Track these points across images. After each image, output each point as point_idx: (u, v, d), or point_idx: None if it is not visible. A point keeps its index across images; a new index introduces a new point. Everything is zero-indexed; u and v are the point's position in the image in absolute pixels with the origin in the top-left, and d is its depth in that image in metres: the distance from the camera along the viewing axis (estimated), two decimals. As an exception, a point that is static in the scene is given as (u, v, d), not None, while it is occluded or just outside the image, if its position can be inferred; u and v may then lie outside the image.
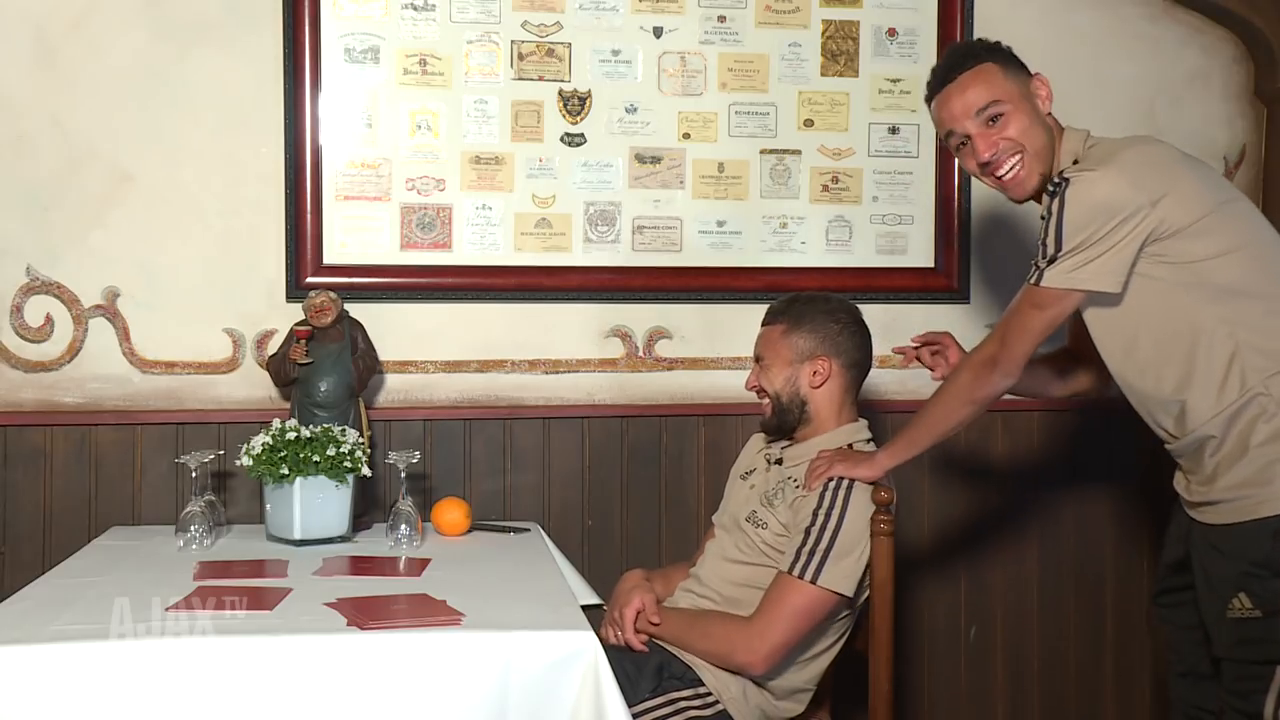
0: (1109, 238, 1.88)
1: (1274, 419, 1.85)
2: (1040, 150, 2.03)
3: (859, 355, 2.25)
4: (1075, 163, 1.98)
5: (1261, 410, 1.86)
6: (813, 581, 2.05)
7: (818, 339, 2.22)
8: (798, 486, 2.17)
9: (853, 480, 2.11)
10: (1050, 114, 2.08)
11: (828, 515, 2.08)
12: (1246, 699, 1.89)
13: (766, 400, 2.25)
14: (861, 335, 2.26)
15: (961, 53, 2.12)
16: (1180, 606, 2.07)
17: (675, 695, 2.11)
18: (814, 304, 2.26)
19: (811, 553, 2.06)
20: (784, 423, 2.24)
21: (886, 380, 2.88)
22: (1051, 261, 1.92)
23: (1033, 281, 1.95)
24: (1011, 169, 2.03)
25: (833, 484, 2.11)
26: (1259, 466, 1.86)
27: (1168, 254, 1.90)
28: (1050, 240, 1.91)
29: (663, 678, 2.12)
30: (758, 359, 2.28)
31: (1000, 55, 2.08)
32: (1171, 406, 1.95)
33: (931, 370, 2.29)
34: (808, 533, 2.08)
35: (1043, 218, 1.95)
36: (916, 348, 2.31)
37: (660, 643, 2.18)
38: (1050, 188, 1.95)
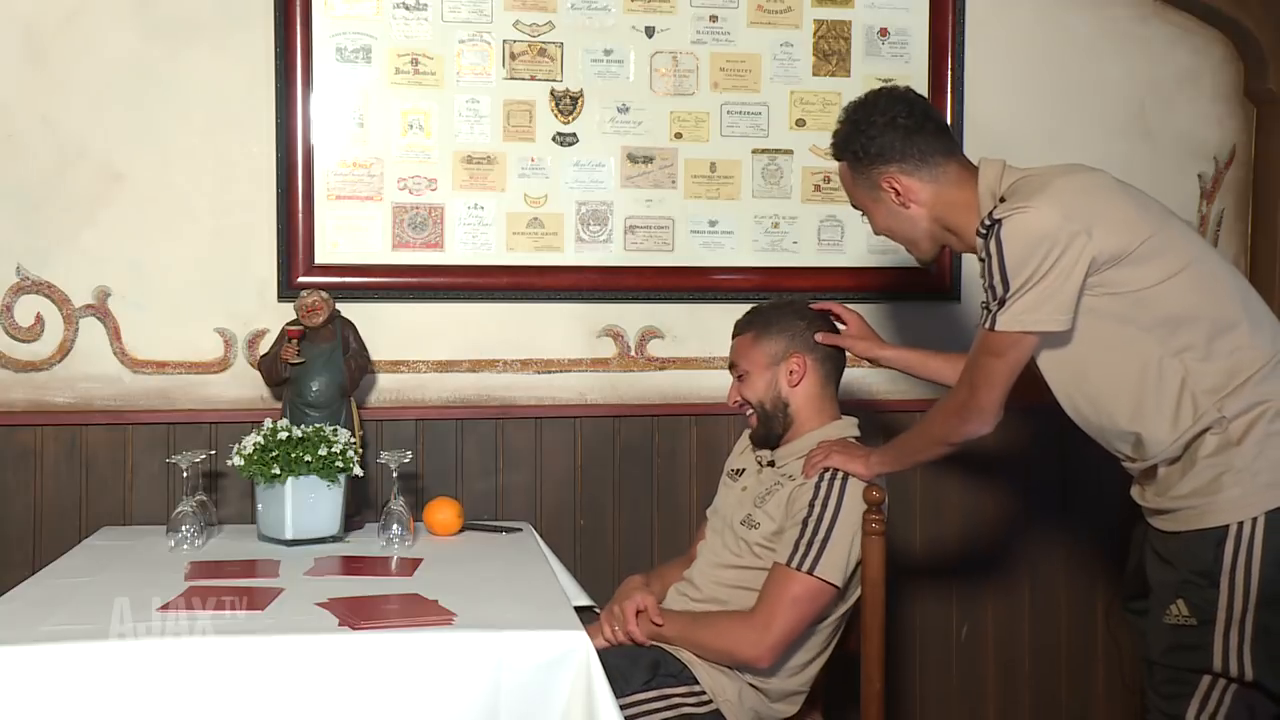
0: (1054, 271, 1.85)
1: (1222, 432, 1.86)
2: (913, 236, 2.10)
3: (830, 349, 2.27)
4: (1002, 200, 1.95)
5: (1216, 428, 1.86)
6: (809, 572, 2.07)
7: (787, 338, 2.25)
8: (792, 480, 2.18)
9: (847, 474, 2.12)
10: (934, 174, 2.05)
11: (824, 506, 2.10)
12: (1170, 702, 1.90)
13: (751, 412, 2.28)
14: (829, 331, 2.28)
15: (831, 145, 2.16)
16: (1147, 612, 2.07)
17: (669, 691, 2.11)
18: (777, 308, 2.30)
19: (809, 544, 2.08)
20: (771, 431, 2.26)
21: (877, 380, 2.89)
22: (1002, 304, 1.89)
23: (986, 326, 1.93)
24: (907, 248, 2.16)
25: (828, 475, 2.12)
26: (1208, 478, 1.86)
27: (1108, 284, 1.89)
28: (997, 282, 1.89)
29: (657, 673, 2.13)
30: (734, 369, 2.30)
31: (852, 156, 2.10)
32: (1127, 435, 1.95)
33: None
34: (804, 524, 2.09)
35: (981, 259, 1.93)
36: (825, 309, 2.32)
37: (658, 643, 2.18)
38: (982, 230, 1.93)
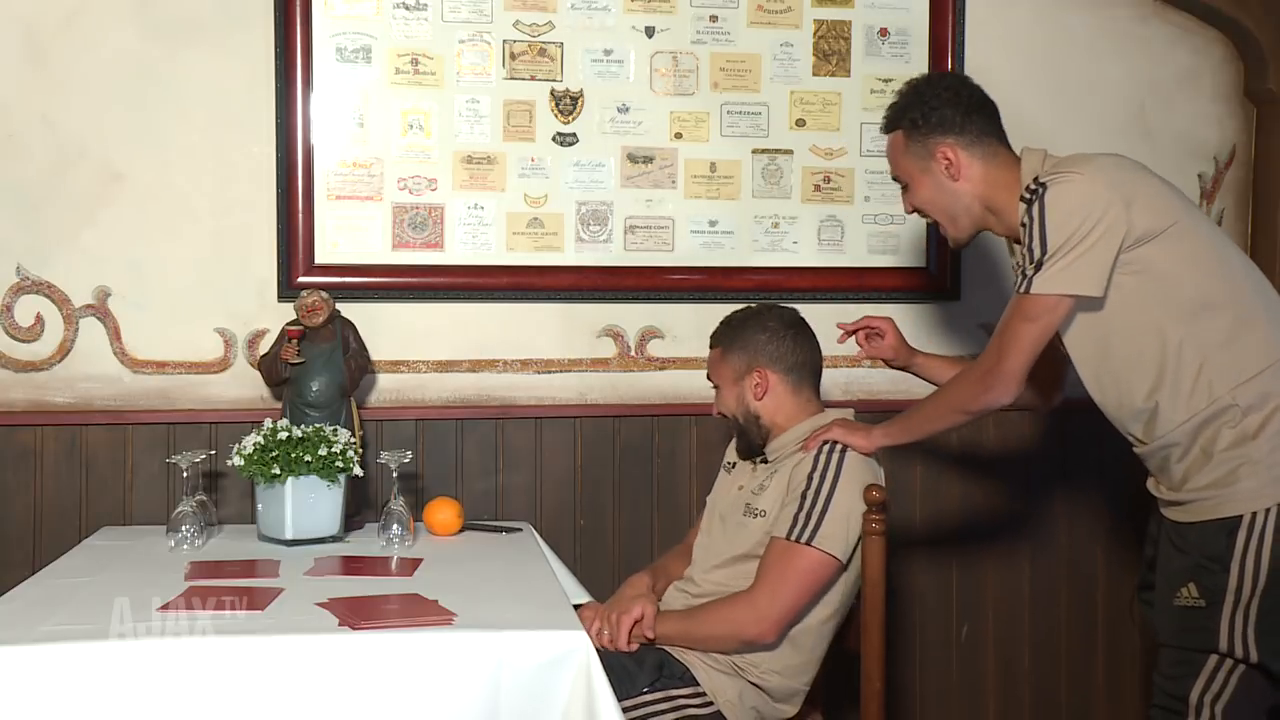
0: (1090, 237, 1.90)
1: (1237, 425, 1.90)
2: (954, 212, 2.11)
3: (795, 358, 2.25)
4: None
5: (1229, 418, 1.90)
6: (809, 543, 2.07)
7: (748, 353, 2.25)
8: (789, 460, 2.18)
9: (846, 447, 2.13)
10: (985, 154, 2.07)
11: (822, 479, 2.11)
12: (1176, 683, 1.94)
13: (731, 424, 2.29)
14: (793, 338, 2.26)
15: (886, 115, 2.17)
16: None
17: (674, 692, 2.12)
18: (744, 320, 2.29)
19: (808, 517, 2.08)
20: (751, 442, 2.27)
21: (879, 379, 2.88)
22: (1039, 267, 1.93)
23: (1021, 290, 1.96)
24: (933, 223, 2.18)
25: (827, 448, 2.13)
26: (1226, 470, 1.90)
27: (1138, 262, 1.93)
28: (1036, 245, 1.93)
29: (661, 674, 2.13)
30: (712, 384, 2.32)
31: (910, 124, 2.11)
32: (1141, 414, 1.98)
33: (861, 348, 2.37)
34: (803, 497, 2.10)
35: (1022, 224, 1.97)
36: (853, 331, 2.36)
37: (661, 645, 2.18)
38: (1027, 195, 1.97)
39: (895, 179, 2.19)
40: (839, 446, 2.13)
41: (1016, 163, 2.08)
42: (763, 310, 2.31)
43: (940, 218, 2.14)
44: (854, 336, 2.37)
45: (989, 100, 2.15)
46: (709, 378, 2.32)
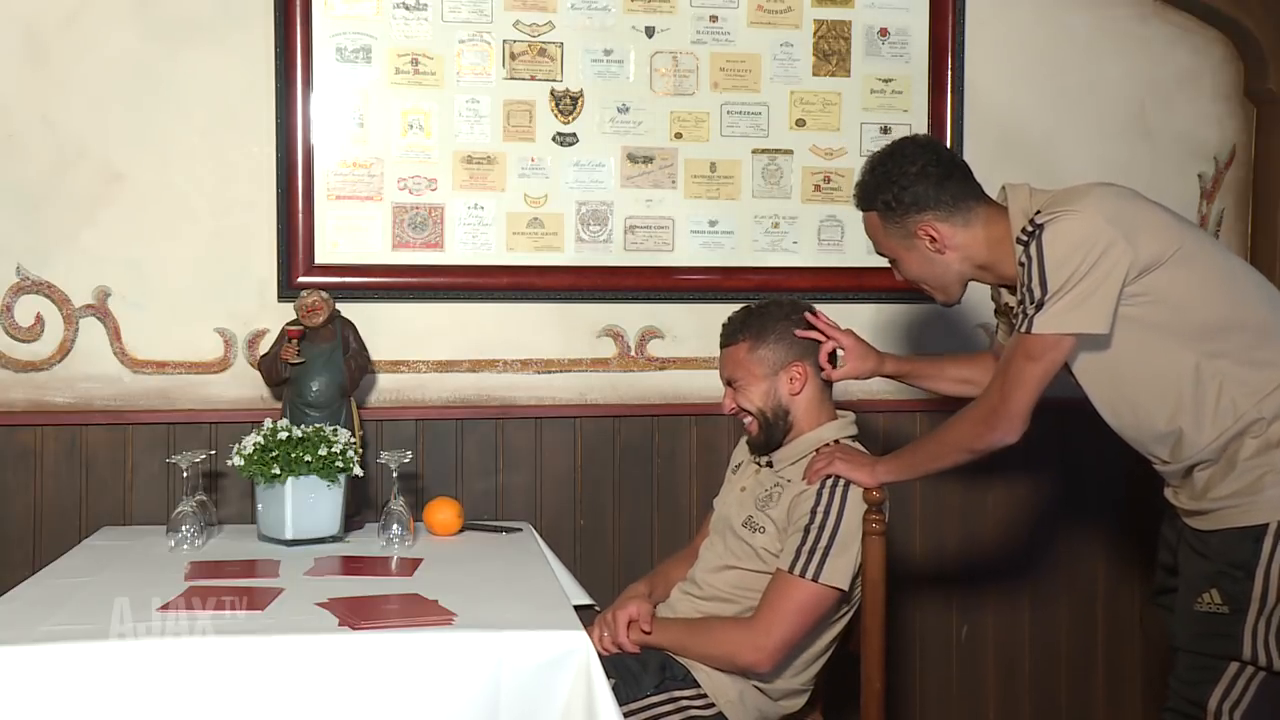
0: (1092, 274, 1.88)
1: (1261, 435, 1.89)
2: (944, 281, 2.10)
3: (829, 354, 2.23)
4: (1037, 213, 1.96)
5: (1255, 429, 1.90)
6: (814, 579, 2.06)
7: (785, 346, 2.20)
8: (792, 484, 2.17)
9: (849, 481, 2.11)
10: (968, 219, 2.03)
11: (826, 513, 2.09)
12: (1195, 688, 1.93)
13: (750, 419, 2.22)
14: (816, 337, 2.24)
15: (856, 194, 2.14)
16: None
17: (677, 694, 2.12)
18: (769, 313, 2.23)
19: (812, 551, 2.07)
20: (772, 437, 2.22)
21: (876, 380, 2.87)
22: (1040, 307, 1.90)
23: (1023, 330, 1.94)
24: (928, 294, 2.16)
25: (830, 482, 2.11)
26: (1250, 480, 1.89)
27: (1149, 292, 1.91)
28: (1035, 285, 1.90)
29: (665, 676, 2.13)
30: (728, 382, 2.24)
31: (884, 206, 2.07)
32: (1166, 439, 1.97)
33: (825, 372, 2.22)
34: (807, 530, 2.08)
35: (1021, 264, 1.94)
36: (825, 337, 2.22)
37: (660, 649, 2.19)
38: (1024, 235, 1.94)
39: (880, 254, 2.16)
40: (842, 480, 2.11)
41: (1002, 212, 2.04)
42: (783, 302, 2.26)
43: (931, 288, 2.13)
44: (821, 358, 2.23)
45: (958, 161, 2.11)
46: (725, 375, 2.24)
